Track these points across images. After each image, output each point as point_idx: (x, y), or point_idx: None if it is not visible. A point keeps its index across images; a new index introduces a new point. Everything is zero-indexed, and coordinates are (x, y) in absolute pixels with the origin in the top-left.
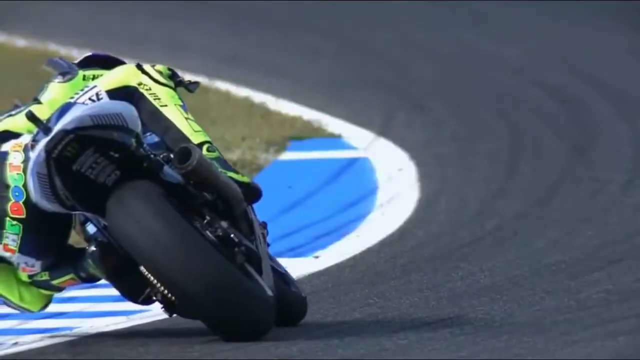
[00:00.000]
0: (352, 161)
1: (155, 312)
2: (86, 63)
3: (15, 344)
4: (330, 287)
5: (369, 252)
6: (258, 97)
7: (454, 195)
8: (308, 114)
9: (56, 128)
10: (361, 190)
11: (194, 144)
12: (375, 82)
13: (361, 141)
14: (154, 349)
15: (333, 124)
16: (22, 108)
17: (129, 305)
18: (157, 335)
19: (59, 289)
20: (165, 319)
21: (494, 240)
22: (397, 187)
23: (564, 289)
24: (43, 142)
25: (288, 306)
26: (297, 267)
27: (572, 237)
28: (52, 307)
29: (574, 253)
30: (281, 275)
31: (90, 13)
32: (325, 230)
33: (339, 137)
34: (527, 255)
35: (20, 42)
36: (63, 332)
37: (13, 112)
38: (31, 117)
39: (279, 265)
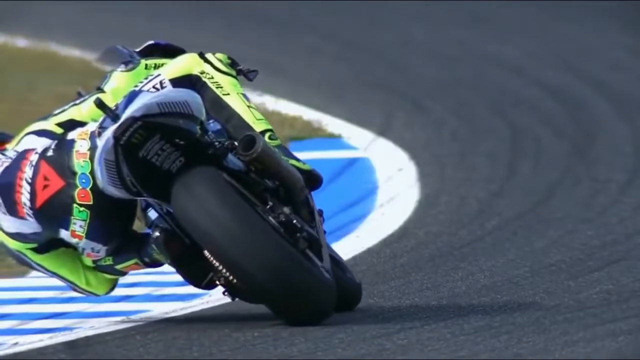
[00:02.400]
0: (352, 161)
1: (154, 313)
2: (148, 51)
3: (15, 344)
4: None
5: (369, 252)
6: (258, 97)
7: (454, 195)
8: (308, 114)
9: (124, 115)
10: (361, 190)
11: (257, 132)
12: (375, 82)
13: (361, 141)
14: (154, 349)
15: (333, 124)
16: (86, 97)
17: (129, 306)
18: (157, 336)
19: (123, 273)
20: (164, 319)
21: (494, 240)
22: (397, 187)
23: (564, 289)
24: (111, 128)
25: (344, 292)
26: None
27: (572, 237)
28: (52, 307)
29: (574, 253)
30: (337, 262)
31: (90, 13)
32: (326, 230)
33: (339, 137)
34: (527, 255)
35: (21, 42)
36: (63, 332)
37: (77, 101)
38: (99, 104)
39: (334, 252)
